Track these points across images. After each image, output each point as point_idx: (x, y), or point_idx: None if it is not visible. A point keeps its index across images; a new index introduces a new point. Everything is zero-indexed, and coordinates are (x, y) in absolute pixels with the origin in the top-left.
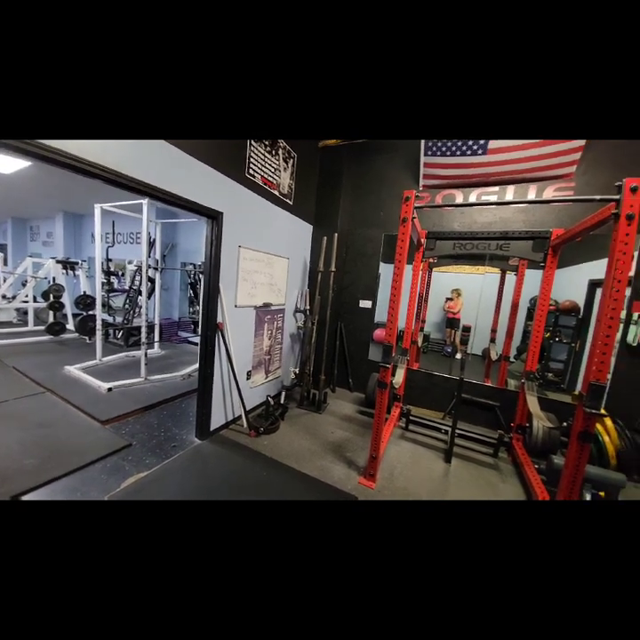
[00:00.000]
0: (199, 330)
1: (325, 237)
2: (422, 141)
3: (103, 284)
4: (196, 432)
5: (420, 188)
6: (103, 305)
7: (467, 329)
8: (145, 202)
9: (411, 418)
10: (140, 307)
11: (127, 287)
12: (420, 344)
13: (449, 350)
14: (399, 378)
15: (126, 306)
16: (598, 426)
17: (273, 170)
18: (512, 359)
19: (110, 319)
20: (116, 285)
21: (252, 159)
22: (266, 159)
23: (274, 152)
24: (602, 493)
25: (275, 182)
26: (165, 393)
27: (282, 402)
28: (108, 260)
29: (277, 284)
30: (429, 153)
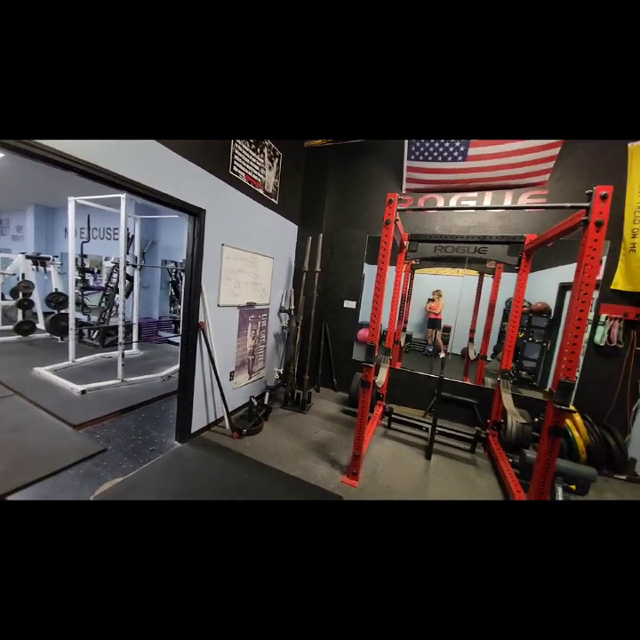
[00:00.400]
0: (180, 329)
1: (310, 237)
2: (406, 146)
3: (77, 281)
4: (176, 435)
5: (404, 192)
6: (77, 303)
7: (447, 329)
8: (123, 196)
9: (393, 416)
10: (117, 305)
11: (103, 285)
12: (402, 344)
13: (430, 350)
14: (382, 377)
15: (102, 304)
16: (568, 422)
17: (258, 168)
18: (489, 358)
19: (85, 318)
20: (91, 283)
21: (236, 156)
22: (251, 157)
23: (259, 150)
24: (573, 486)
25: (259, 181)
26: (144, 395)
27: (265, 402)
28: (83, 256)
29: (262, 284)
30: (412, 157)
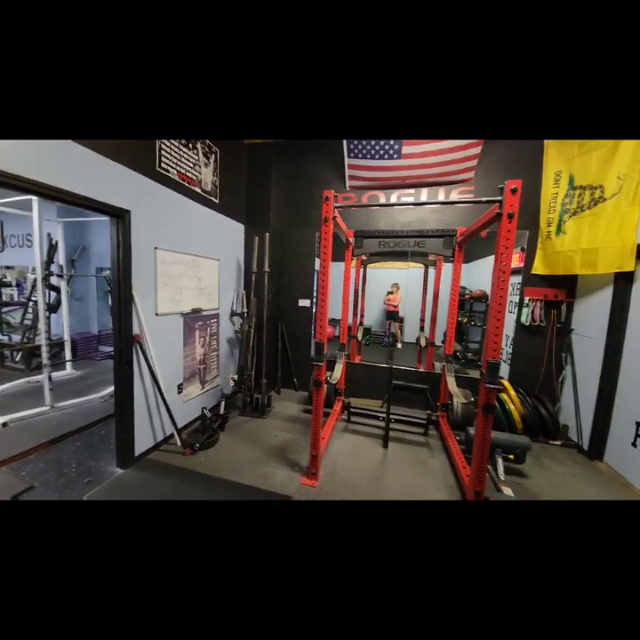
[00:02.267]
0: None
1: (257, 237)
2: (345, 144)
3: None
4: (117, 461)
5: (347, 189)
6: None
7: (400, 320)
8: (35, 199)
9: (352, 410)
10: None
11: (25, 299)
12: (360, 338)
13: (388, 341)
14: (337, 373)
15: (25, 322)
16: (504, 396)
17: (191, 165)
18: (440, 344)
19: (5, 339)
20: (15, 297)
21: (163, 152)
22: (182, 153)
23: (191, 146)
24: (511, 456)
25: (195, 178)
26: (79, 420)
27: (221, 412)
28: (6, 267)
29: (208, 288)
30: (352, 155)
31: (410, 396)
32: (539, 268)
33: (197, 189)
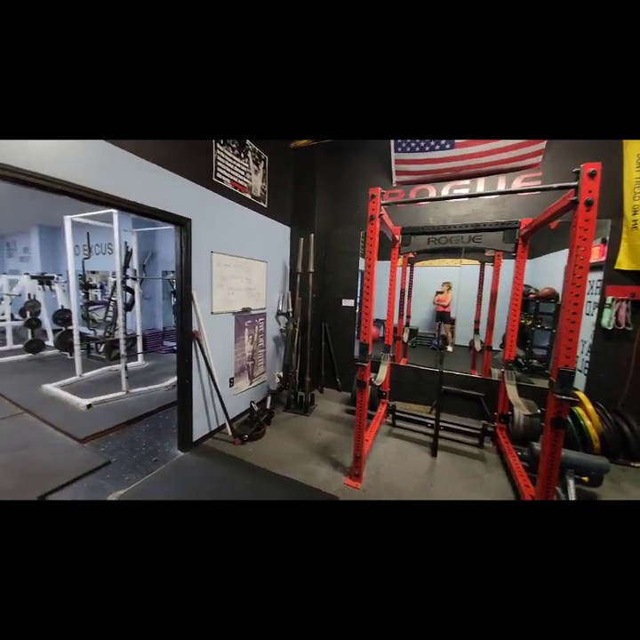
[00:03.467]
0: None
1: (302, 239)
2: (391, 140)
3: (82, 297)
4: (178, 444)
5: (394, 185)
6: (84, 318)
7: (451, 321)
8: (115, 212)
9: (397, 414)
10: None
11: (107, 299)
12: (406, 339)
13: (436, 343)
14: (382, 375)
15: (107, 318)
16: (579, 410)
17: (243, 173)
18: (498, 348)
19: (91, 333)
20: (99, 297)
21: (219, 163)
22: (234, 163)
23: (242, 155)
24: (585, 478)
25: (246, 185)
26: (148, 405)
27: (268, 407)
28: (92, 272)
29: (256, 288)
30: (399, 149)
31: (462, 403)
32: (624, 262)
33: (248, 196)
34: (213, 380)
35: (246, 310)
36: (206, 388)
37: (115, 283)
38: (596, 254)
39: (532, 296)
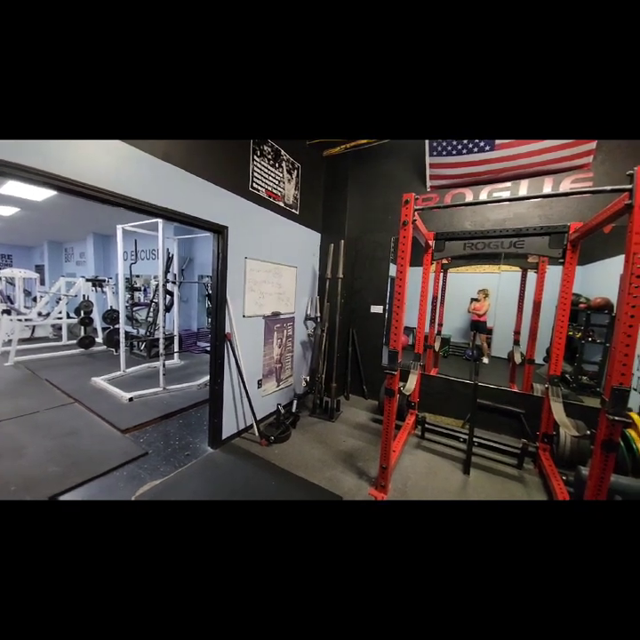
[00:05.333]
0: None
1: (332, 244)
2: (426, 142)
3: (128, 298)
4: (208, 441)
5: (428, 189)
6: (128, 318)
7: (488, 331)
8: (160, 221)
9: (426, 426)
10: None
11: (149, 301)
12: (437, 348)
13: (470, 354)
14: (411, 384)
15: (149, 319)
16: (632, 432)
17: (277, 182)
18: (541, 362)
19: (134, 332)
20: (142, 299)
21: (255, 173)
22: (269, 172)
23: (277, 165)
24: None
25: (279, 194)
26: (182, 402)
27: (293, 410)
28: (137, 276)
29: (286, 293)
30: (434, 153)
31: (499, 419)
32: None
33: (281, 204)
34: (243, 380)
35: (276, 314)
36: (236, 388)
37: (157, 286)
38: None
39: (582, 306)
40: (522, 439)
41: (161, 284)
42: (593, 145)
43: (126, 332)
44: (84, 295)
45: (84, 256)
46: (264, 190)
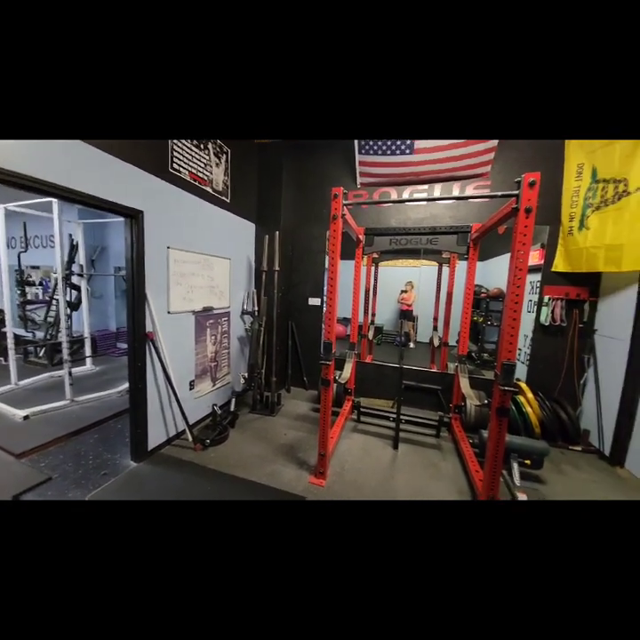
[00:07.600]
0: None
1: (267, 236)
2: (356, 141)
3: (20, 294)
4: (131, 454)
5: (359, 186)
6: (21, 319)
7: (414, 319)
8: (55, 200)
9: (362, 409)
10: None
11: (49, 298)
12: (371, 337)
13: (400, 340)
14: (346, 373)
15: (49, 319)
16: (521, 398)
17: (203, 165)
18: (454, 344)
19: (29, 335)
20: (40, 296)
21: (175, 153)
22: (193, 154)
23: (202, 146)
24: (528, 461)
25: (206, 178)
26: (97, 414)
27: (232, 409)
28: (33, 267)
29: (219, 286)
30: (363, 152)
31: (422, 396)
32: (560, 265)
33: (209, 189)
34: (171, 383)
35: (208, 309)
36: (163, 392)
37: (56, 279)
38: (536, 258)
39: (483, 295)
40: (439, 412)
41: (60, 277)
42: (491, 156)
43: (18, 336)
44: None
45: None
46: (187, 172)
